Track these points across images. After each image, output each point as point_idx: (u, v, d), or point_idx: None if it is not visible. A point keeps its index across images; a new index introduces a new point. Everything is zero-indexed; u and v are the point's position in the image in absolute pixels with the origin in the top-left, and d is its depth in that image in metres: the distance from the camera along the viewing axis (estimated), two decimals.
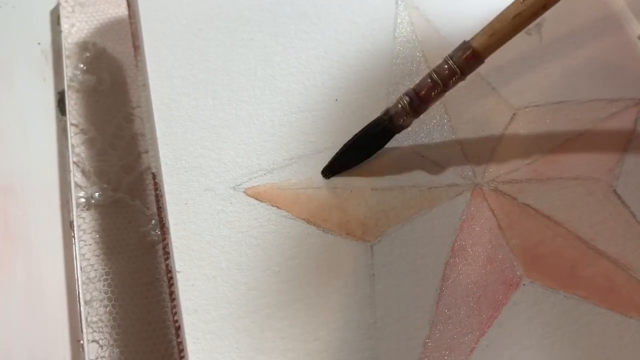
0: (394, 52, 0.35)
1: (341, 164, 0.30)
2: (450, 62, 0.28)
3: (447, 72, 0.28)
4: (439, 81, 0.28)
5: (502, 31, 0.27)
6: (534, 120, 0.33)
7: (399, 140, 0.32)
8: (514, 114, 0.33)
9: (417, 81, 0.29)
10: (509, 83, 0.34)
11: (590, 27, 0.36)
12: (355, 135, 0.30)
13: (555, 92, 0.34)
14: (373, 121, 0.30)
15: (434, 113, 0.33)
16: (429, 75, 0.29)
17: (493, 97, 0.33)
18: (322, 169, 0.30)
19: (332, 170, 0.30)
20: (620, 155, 0.32)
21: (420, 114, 0.29)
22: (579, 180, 0.31)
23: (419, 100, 0.29)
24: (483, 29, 0.28)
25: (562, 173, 0.31)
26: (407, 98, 0.29)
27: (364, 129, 0.30)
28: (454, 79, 0.28)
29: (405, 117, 0.29)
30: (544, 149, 0.32)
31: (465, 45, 0.28)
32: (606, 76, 0.34)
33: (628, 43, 0.35)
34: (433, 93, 0.29)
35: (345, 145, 0.30)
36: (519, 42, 0.35)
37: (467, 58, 0.28)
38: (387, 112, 0.30)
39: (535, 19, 0.27)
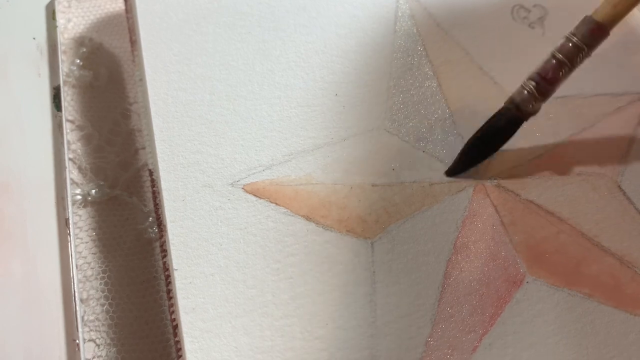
0: (395, 46, 0.34)
1: (468, 160, 0.30)
2: (575, 39, 0.28)
3: (572, 49, 0.28)
4: (565, 60, 0.28)
5: (625, 1, 0.27)
6: (538, 115, 0.32)
7: (400, 136, 0.31)
8: None
9: (541, 64, 0.29)
10: (511, 77, 0.33)
11: None
12: (480, 128, 0.30)
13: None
14: (497, 113, 0.30)
15: (436, 108, 0.32)
16: (553, 56, 0.28)
17: (496, 91, 0.33)
18: (445, 170, 0.30)
19: (458, 168, 0.30)
20: (625, 151, 0.31)
21: (548, 97, 0.29)
22: (583, 176, 0.31)
23: (546, 83, 0.28)
24: (605, 1, 0.27)
25: (566, 169, 0.31)
26: (533, 83, 0.28)
27: (488, 121, 0.30)
28: (580, 55, 0.28)
29: (533, 103, 0.29)
30: (548, 144, 0.31)
31: (588, 19, 0.28)
32: (611, 70, 0.34)
33: (633, 37, 0.35)
34: (560, 73, 0.28)
35: (470, 140, 0.30)
36: (521, 36, 0.35)
37: (593, 32, 0.27)
38: (511, 100, 0.29)
39: None
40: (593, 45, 0.28)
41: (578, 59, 0.28)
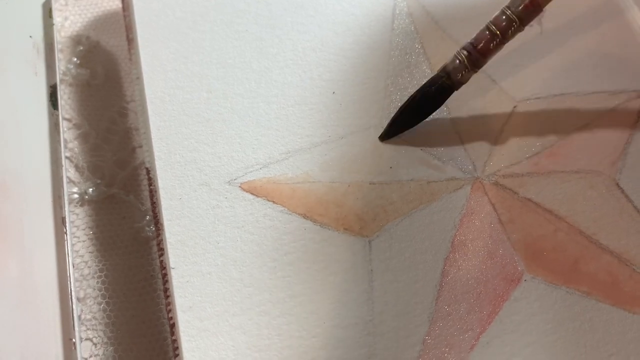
0: (392, 44, 0.34)
1: (398, 126, 0.30)
2: (509, 12, 0.28)
3: (505, 22, 0.28)
4: (497, 32, 0.28)
5: None
6: (535, 113, 0.32)
7: (398, 134, 0.31)
8: (514, 107, 0.32)
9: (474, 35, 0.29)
10: (509, 75, 0.33)
11: (591, 17, 0.35)
12: (412, 95, 0.30)
13: (556, 84, 0.33)
14: (429, 80, 0.30)
15: None
16: (487, 27, 0.28)
17: (493, 89, 0.33)
18: (379, 135, 0.30)
19: (390, 132, 0.30)
20: (623, 148, 0.31)
21: (479, 68, 0.29)
22: (581, 174, 0.30)
23: (477, 54, 0.29)
24: None
25: (564, 166, 0.31)
26: (465, 52, 0.29)
27: (420, 88, 0.30)
28: (512, 29, 0.28)
29: (463, 72, 0.29)
30: (546, 142, 0.31)
31: None
32: (608, 68, 0.34)
33: (630, 33, 0.35)
34: (491, 45, 0.28)
35: (401, 106, 0.30)
36: (519, 34, 0.35)
37: (526, 6, 0.28)
38: (444, 68, 0.29)
39: None
40: (526, 19, 0.28)
41: (510, 32, 0.28)
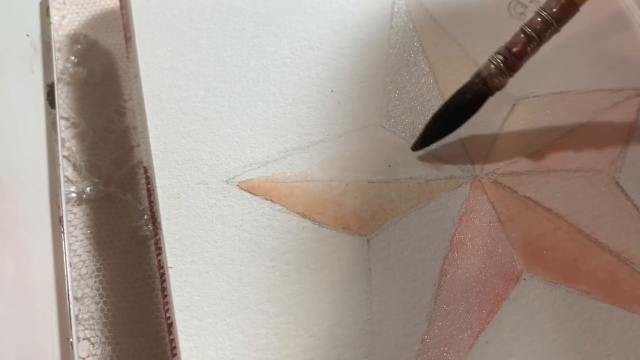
0: (391, 42, 0.34)
1: (433, 134, 0.29)
2: (544, 13, 0.27)
3: (541, 24, 0.27)
4: (534, 35, 0.28)
5: None
6: (534, 111, 0.32)
7: (396, 133, 0.31)
8: (513, 105, 0.32)
9: (509, 39, 0.28)
10: None
11: (591, 15, 0.35)
12: (446, 102, 0.29)
13: (555, 82, 0.33)
14: (463, 86, 0.29)
15: (432, 104, 0.32)
16: (522, 30, 0.28)
17: None
18: (411, 145, 0.30)
19: (424, 142, 0.30)
20: (622, 147, 0.31)
21: (515, 72, 0.29)
22: (580, 172, 0.30)
23: (513, 58, 0.28)
24: None
25: (563, 165, 0.30)
26: (500, 57, 0.28)
27: (454, 95, 0.29)
28: (549, 30, 0.28)
29: (500, 77, 0.28)
30: (545, 140, 0.31)
31: None
32: (608, 66, 0.33)
33: (630, 32, 0.35)
34: (528, 48, 0.28)
35: (435, 114, 0.29)
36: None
37: (563, 7, 0.27)
38: (478, 74, 0.29)
39: None
40: (562, 20, 0.28)
41: (547, 34, 0.28)
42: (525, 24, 0.28)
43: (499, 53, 0.28)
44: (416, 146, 0.30)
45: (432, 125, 0.30)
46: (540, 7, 0.28)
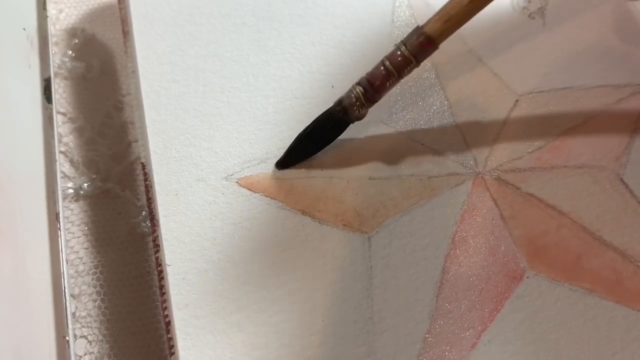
0: (392, 37, 0.34)
1: (295, 156, 0.29)
2: (404, 48, 0.27)
3: (400, 60, 0.27)
4: (393, 70, 0.27)
5: (457, 17, 0.26)
6: (538, 107, 0.32)
7: (397, 128, 0.31)
8: (516, 101, 0.32)
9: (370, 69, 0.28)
10: (511, 68, 0.33)
11: (594, 10, 0.35)
12: (308, 127, 0.29)
13: (559, 77, 0.33)
14: (325, 112, 0.29)
15: (434, 100, 0.32)
16: (382, 63, 0.28)
17: (495, 83, 0.32)
18: (275, 162, 0.29)
19: (285, 163, 0.29)
20: (627, 143, 0.31)
21: (375, 103, 0.29)
22: (584, 169, 0.30)
23: (373, 90, 0.28)
24: (438, 14, 0.27)
25: (567, 161, 0.30)
26: (361, 88, 0.28)
27: (316, 120, 0.29)
28: (408, 67, 0.27)
29: (360, 109, 0.28)
30: (548, 136, 0.31)
31: (419, 31, 0.27)
32: (612, 61, 0.33)
33: (635, 27, 0.34)
34: (388, 83, 0.28)
35: (298, 137, 0.29)
36: (521, 26, 0.34)
37: (421, 44, 0.27)
38: (339, 102, 0.29)
39: (488, 3, 0.26)
40: (422, 57, 0.27)
41: (406, 71, 0.28)
42: (386, 57, 0.28)
43: (359, 84, 0.28)
44: (279, 164, 0.29)
45: (295, 148, 0.29)
46: (401, 41, 0.27)
